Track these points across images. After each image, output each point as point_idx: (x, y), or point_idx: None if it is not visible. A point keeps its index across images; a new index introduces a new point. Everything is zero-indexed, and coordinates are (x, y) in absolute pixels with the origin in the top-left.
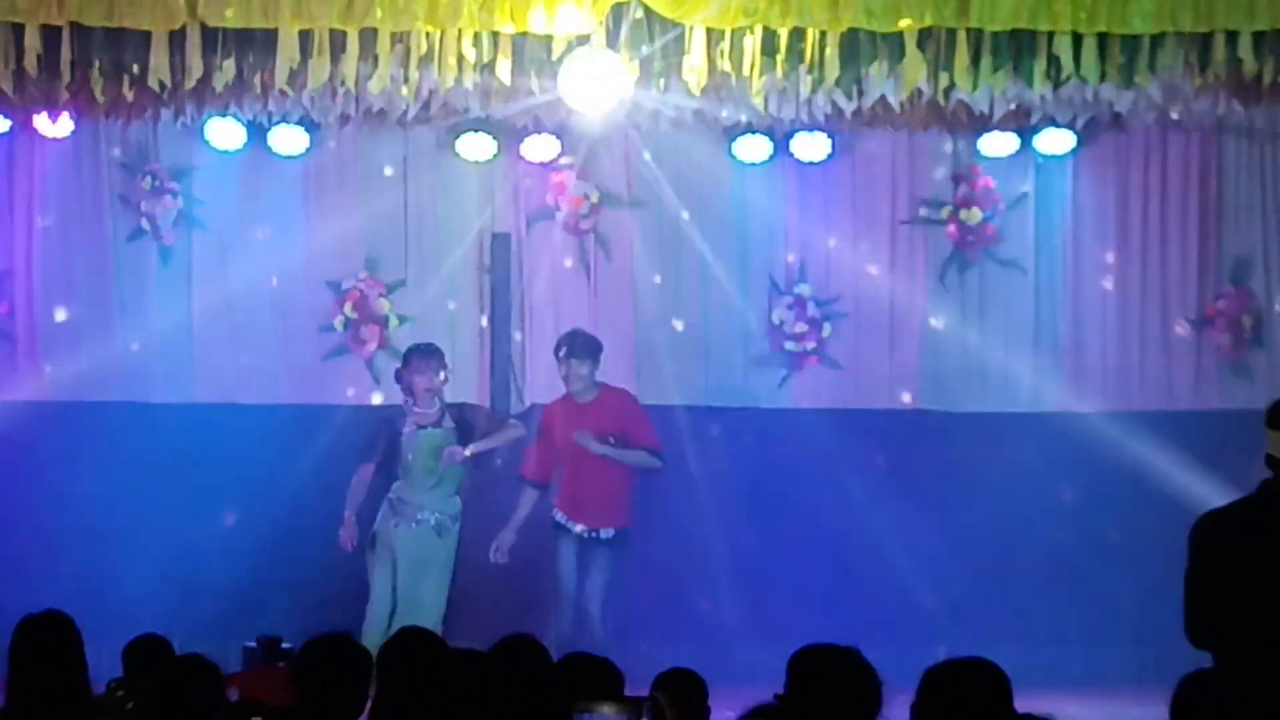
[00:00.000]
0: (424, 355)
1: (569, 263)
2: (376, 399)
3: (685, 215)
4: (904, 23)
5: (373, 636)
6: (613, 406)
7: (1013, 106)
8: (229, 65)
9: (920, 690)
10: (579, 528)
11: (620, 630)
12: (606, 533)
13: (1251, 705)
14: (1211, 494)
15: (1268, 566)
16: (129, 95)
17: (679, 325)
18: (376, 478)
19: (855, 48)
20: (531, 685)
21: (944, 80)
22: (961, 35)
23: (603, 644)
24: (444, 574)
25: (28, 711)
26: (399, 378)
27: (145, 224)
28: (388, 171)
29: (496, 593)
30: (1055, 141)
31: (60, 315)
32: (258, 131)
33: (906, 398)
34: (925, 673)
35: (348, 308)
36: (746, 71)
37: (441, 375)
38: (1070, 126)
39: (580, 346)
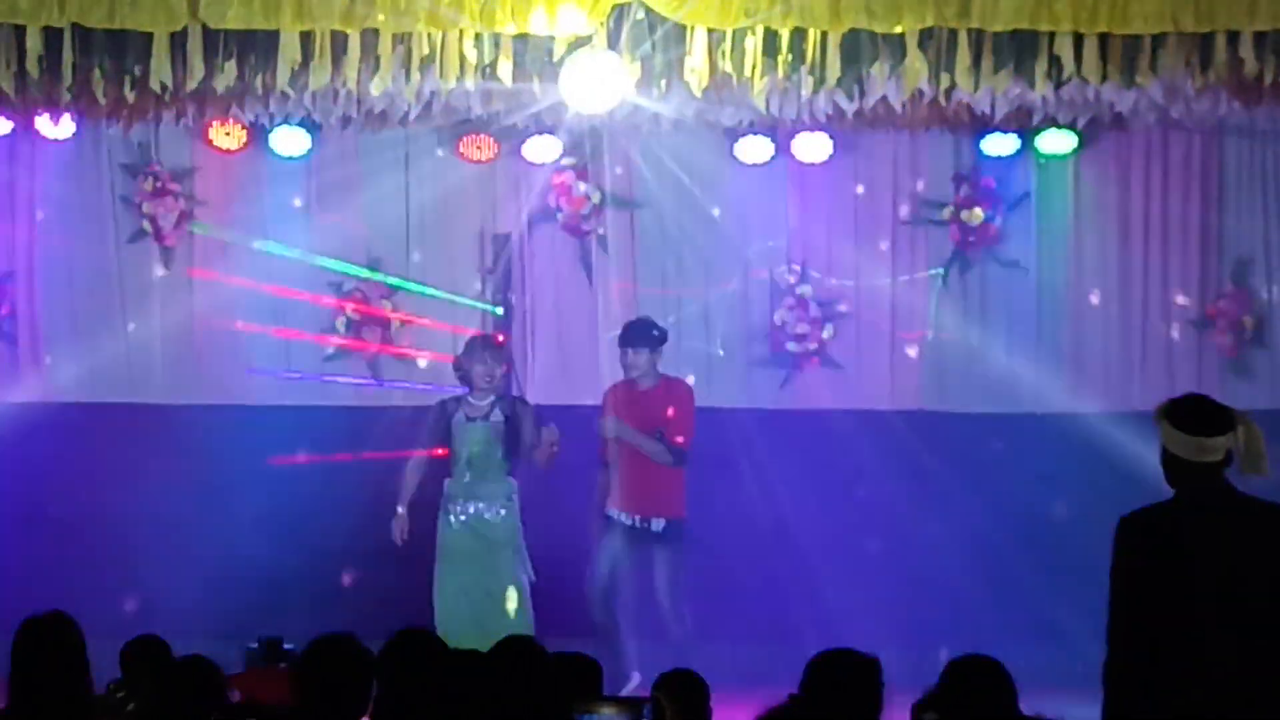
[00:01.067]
0: (485, 346)
1: (570, 264)
2: (378, 400)
3: (687, 216)
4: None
5: (449, 638)
6: (669, 397)
7: (1014, 107)
8: (230, 67)
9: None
10: (628, 519)
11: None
12: (658, 524)
13: None
14: None
15: (1188, 575)
16: (130, 96)
17: (680, 327)
18: (434, 467)
19: (856, 48)
20: (531, 686)
21: (945, 81)
22: (963, 36)
23: (683, 645)
24: (511, 558)
25: (29, 712)
26: (457, 367)
27: (147, 225)
28: (389, 173)
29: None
30: (1057, 142)
31: (61, 317)
32: (259, 133)
33: (908, 399)
34: (947, 665)
35: (350, 309)
36: (748, 72)
37: (500, 367)
38: (1071, 127)
39: (634, 335)
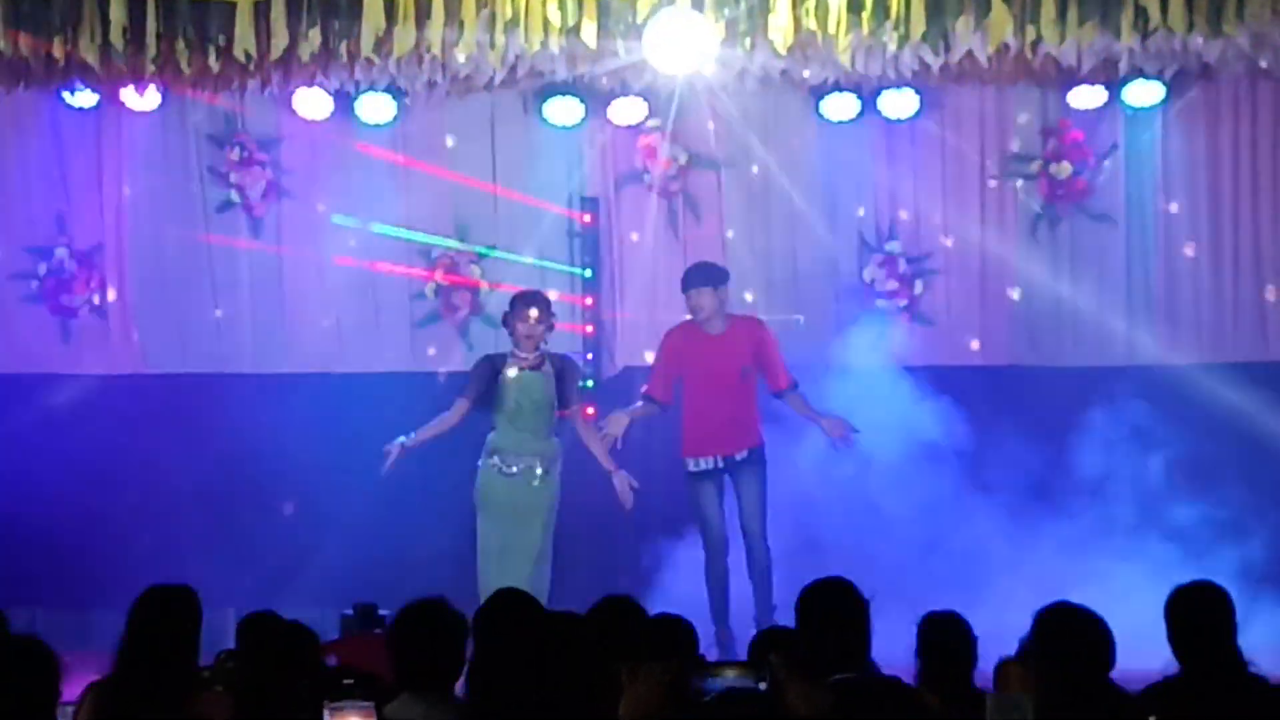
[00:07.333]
0: (525, 300)
1: (658, 225)
2: (467, 366)
3: (774, 175)
4: None
5: (489, 594)
6: (745, 337)
7: (1101, 59)
8: (314, 34)
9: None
10: (711, 462)
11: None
12: (741, 454)
13: None
14: None
15: None
16: (215, 66)
17: (768, 287)
18: (474, 417)
19: (940, 3)
20: (630, 648)
21: (1031, 34)
22: None
23: (764, 564)
24: (547, 520)
25: (137, 681)
26: (504, 322)
27: (234, 195)
28: (476, 138)
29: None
30: (1144, 93)
31: (151, 288)
32: (344, 100)
33: (1000, 354)
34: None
35: (439, 274)
36: (832, 29)
37: (538, 320)
38: (1159, 78)
39: (693, 276)
